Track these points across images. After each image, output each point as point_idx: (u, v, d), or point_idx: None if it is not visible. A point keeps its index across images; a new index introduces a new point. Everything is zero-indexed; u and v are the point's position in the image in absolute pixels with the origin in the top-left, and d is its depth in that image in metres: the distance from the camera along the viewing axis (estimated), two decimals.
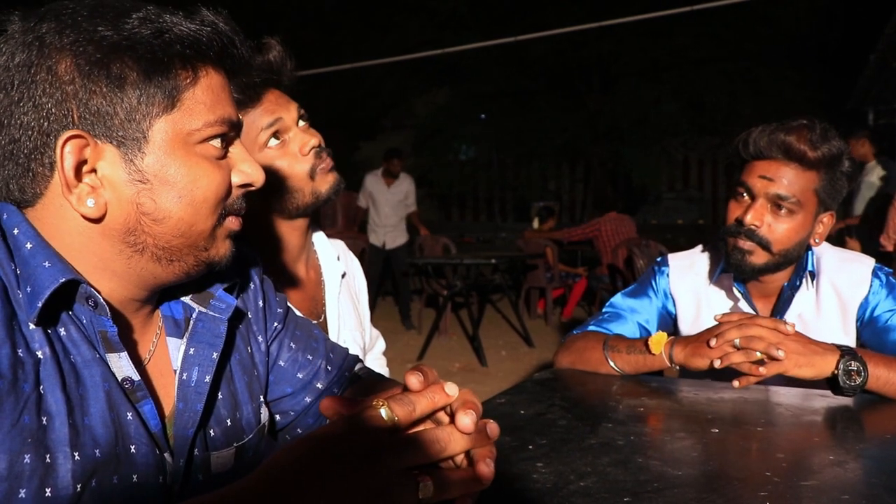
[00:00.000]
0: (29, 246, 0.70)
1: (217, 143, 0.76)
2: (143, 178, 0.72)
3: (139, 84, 0.70)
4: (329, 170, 1.34)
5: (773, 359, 1.32)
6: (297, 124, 1.33)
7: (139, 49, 0.70)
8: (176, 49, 0.72)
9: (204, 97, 0.74)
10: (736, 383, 1.36)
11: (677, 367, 1.48)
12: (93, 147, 0.70)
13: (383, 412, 0.59)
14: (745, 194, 1.52)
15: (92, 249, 0.73)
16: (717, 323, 1.42)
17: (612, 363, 1.52)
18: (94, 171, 0.71)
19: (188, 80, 0.73)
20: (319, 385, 1.06)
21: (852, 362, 1.31)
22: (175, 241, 0.75)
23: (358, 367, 1.15)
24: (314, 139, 1.31)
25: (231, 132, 0.78)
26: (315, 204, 1.35)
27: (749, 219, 1.48)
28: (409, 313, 7.36)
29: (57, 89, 0.69)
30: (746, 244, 1.50)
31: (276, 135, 1.29)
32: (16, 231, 0.71)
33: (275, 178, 1.28)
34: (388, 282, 8.19)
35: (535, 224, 8.49)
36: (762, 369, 1.32)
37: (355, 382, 1.11)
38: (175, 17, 0.73)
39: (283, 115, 1.29)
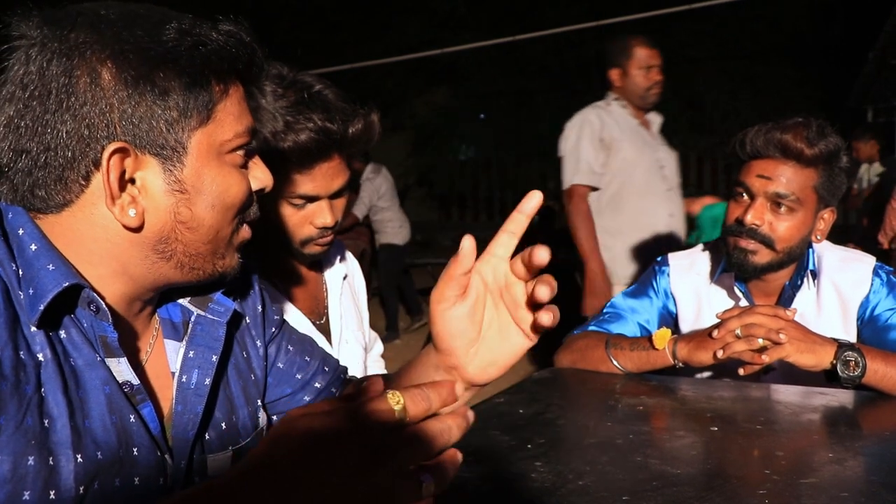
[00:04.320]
0: (33, 247, 0.70)
1: (241, 152, 0.79)
2: (182, 189, 0.73)
3: (181, 97, 0.71)
4: (322, 244, 1.33)
5: (776, 344, 1.33)
6: (329, 197, 1.29)
7: (181, 62, 0.71)
8: (213, 62, 0.73)
9: (233, 109, 0.77)
10: (741, 371, 1.38)
11: (680, 365, 1.48)
12: (133, 158, 0.71)
13: (395, 406, 0.55)
14: (744, 194, 1.52)
15: (115, 256, 0.74)
16: (719, 321, 1.43)
17: (614, 361, 1.52)
18: (132, 180, 0.72)
19: (220, 93, 0.75)
20: (318, 384, 1.06)
21: (850, 353, 1.33)
22: (202, 248, 0.77)
23: (349, 374, 1.16)
24: (329, 219, 1.29)
25: (251, 142, 0.81)
26: (292, 255, 1.36)
27: (749, 218, 1.48)
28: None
29: (100, 99, 0.69)
30: (749, 244, 1.50)
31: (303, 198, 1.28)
32: (21, 231, 0.71)
33: (273, 220, 1.28)
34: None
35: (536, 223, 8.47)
36: (764, 356, 1.33)
37: (350, 384, 1.12)
38: (205, 29, 0.73)
39: (323, 191, 1.27)
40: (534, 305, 0.77)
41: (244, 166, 0.80)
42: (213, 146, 0.75)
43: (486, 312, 0.81)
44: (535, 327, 0.78)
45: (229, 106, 0.76)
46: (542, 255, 0.73)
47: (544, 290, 0.73)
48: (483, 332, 0.81)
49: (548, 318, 0.74)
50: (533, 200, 0.77)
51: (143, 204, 0.72)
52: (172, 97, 0.71)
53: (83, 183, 0.71)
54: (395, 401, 0.55)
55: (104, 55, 0.69)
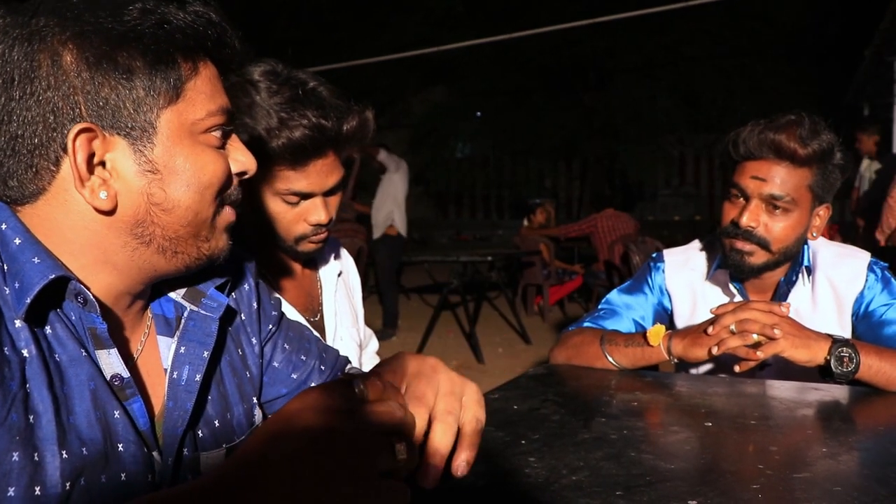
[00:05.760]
0: (17, 241, 0.70)
1: (217, 133, 0.77)
2: (153, 169, 0.72)
3: (146, 75, 0.71)
4: (316, 241, 1.32)
5: (770, 339, 1.33)
6: (324, 194, 1.28)
7: (144, 40, 0.70)
8: (178, 40, 0.72)
9: (204, 87, 0.75)
10: (737, 368, 1.38)
11: (675, 361, 1.48)
12: (101, 139, 0.70)
13: (353, 382, 0.59)
14: (738, 196, 1.52)
15: (95, 243, 0.73)
16: (713, 316, 1.43)
17: (609, 357, 1.52)
18: (102, 163, 0.71)
19: (189, 71, 0.74)
20: (314, 384, 1.05)
21: (844, 349, 1.33)
22: (181, 231, 0.76)
23: (348, 367, 1.15)
24: (324, 216, 1.28)
25: (228, 123, 0.79)
26: (285, 252, 1.35)
27: (745, 221, 1.48)
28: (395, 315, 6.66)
29: (63, 82, 0.68)
30: (746, 245, 1.50)
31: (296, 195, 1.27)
32: (3, 226, 0.71)
33: (267, 217, 1.27)
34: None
35: (525, 223, 8.46)
36: (759, 352, 1.33)
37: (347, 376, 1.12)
38: (171, 9, 0.73)
39: (317, 188, 1.26)
40: None
41: (221, 147, 0.79)
42: (185, 125, 0.74)
43: None
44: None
45: (200, 84, 0.75)
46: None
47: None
48: None
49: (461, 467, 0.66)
50: None
51: (115, 186, 0.71)
52: (137, 76, 0.70)
53: (53, 169, 0.70)
54: (349, 378, 0.59)
55: (65, 37, 0.68)
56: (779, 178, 1.46)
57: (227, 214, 0.81)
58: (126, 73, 0.70)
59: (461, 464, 0.65)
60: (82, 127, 0.69)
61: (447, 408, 0.66)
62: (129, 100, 0.70)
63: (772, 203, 1.47)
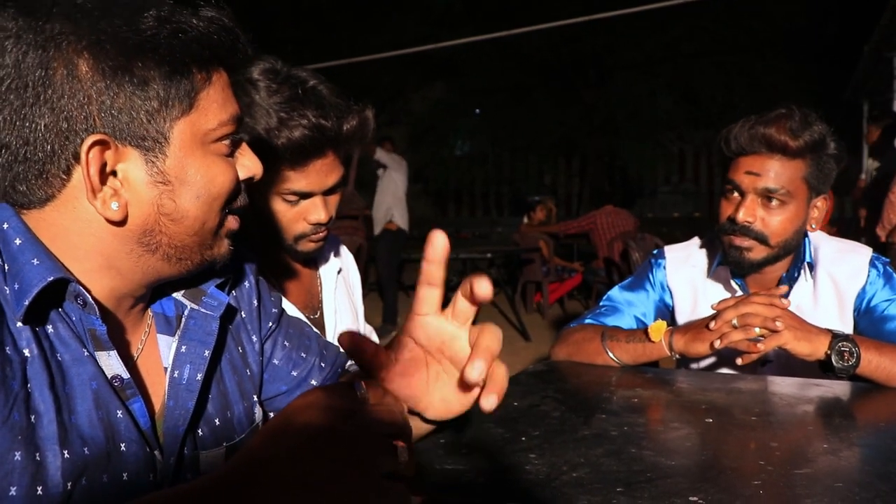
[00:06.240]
0: (18, 242, 0.70)
1: (227, 141, 0.77)
2: (164, 180, 0.72)
3: (161, 86, 0.70)
4: (316, 241, 1.32)
5: (773, 332, 1.33)
6: (323, 193, 1.28)
7: (160, 50, 0.69)
8: (193, 50, 0.72)
9: (216, 97, 0.75)
10: (739, 361, 1.38)
11: (676, 357, 1.48)
12: (114, 150, 0.70)
13: (355, 385, 0.59)
14: (734, 192, 1.52)
15: (100, 250, 0.73)
16: (714, 312, 1.43)
17: (610, 353, 1.52)
18: (114, 172, 0.71)
19: (203, 81, 0.74)
20: (314, 382, 1.06)
21: (844, 343, 1.33)
22: (188, 240, 0.76)
23: (348, 364, 1.15)
24: (323, 215, 1.28)
25: (238, 131, 0.79)
26: (286, 251, 1.35)
27: (741, 216, 1.48)
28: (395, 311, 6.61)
29: (78, 92, 0.67)
30: (744, 241, 1.50)
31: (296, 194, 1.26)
32: (5, 226, 0.70)
33: (267, 216, 1.27)
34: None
35: (525, 221, 8.46)
36: (760, 345, 1.33)
37: (348, 374, 1.12)
38: (185, 16, 0.72)
39: (317, 187, 1.25)
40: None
41: (230, 155, 0.79)
42: (197, 136, 0.74)
43: (431, 369, 0.75)
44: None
45: (212, 94, 0.75)
46: (483, 287, 0.65)
47: (489, 338, 0.68)
48: (431, 384, 0.76)
49: (490, 402, 0.68)
50: (438, 246, 0.68)
51: (126, 196, 0.71)
52: (152, 87, 0.70)
53: (64, 177, 0.70)
54: (352, 380, 0.61)
55: (80, 46, 0.67)
56: (773, 172, 1.46)
57: (231, 223, 0.81)
58: (142, 84, 0.69)
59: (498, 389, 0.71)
60: (97, 139, 0.68)
61: (486, 324, 0.70)
62: (144, 111, 0.70)
63: (767, 197, 1.47)
